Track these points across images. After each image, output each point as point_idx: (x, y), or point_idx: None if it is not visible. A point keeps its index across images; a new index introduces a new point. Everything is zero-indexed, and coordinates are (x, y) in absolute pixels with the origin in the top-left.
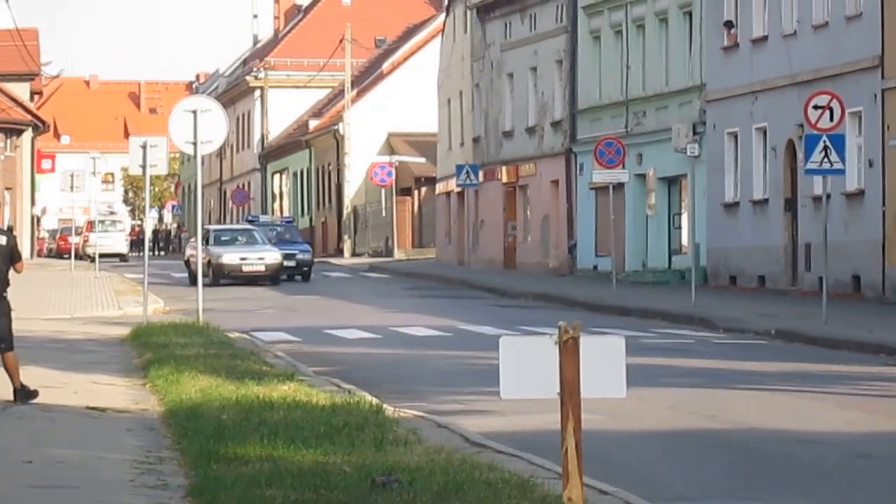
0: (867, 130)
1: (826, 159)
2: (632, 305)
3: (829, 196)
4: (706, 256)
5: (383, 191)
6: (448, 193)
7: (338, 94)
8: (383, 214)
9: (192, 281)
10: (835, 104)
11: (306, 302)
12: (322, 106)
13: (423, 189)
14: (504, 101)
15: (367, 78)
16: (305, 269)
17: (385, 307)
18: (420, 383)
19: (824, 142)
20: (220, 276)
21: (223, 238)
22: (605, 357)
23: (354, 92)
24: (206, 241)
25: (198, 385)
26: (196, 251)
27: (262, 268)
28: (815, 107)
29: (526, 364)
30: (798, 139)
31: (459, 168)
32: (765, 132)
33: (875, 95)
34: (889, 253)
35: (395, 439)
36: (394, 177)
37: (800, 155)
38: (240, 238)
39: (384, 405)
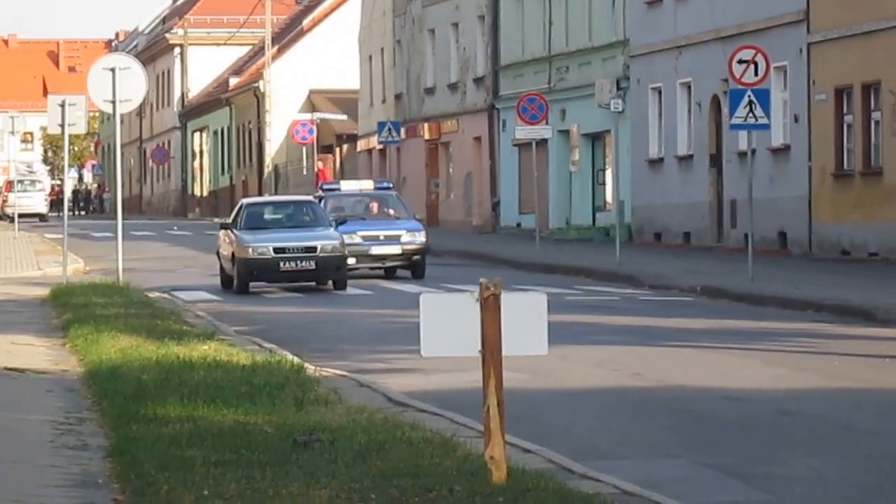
0: (792, 85)
1: (751, 114)
2: (556, 263)
3: (754, 151)
4: (631, 213)
5: (304, 148)
6: (370, 151)
7: (258, 52)
8: (304, 173)
9: (228, 284)
10: (760, 59)
11: None
12: (242, 63)
13: (345, 146)
14: (426, 58)
15: (287, 35)
16: (416, 257)
17: None
18: (342, 342)
19: (749, 97)
20: (249, 275)
21: (263, 218)
22: (526, 314)
23: (275, 49)
24: (234, 222)
25: (118, 345)
26: (224, 242)
27: (313, 264)
28: (740, 61)
29: (447, 322)
30: (723, 94)
31: (381, 125)
32: (689, 87)
33: (800, 50)
34: (815, 209)
35: (317, 399)
36: (315, 134)
37: (724, 110)
38: (285, 218)
39: (305, 364)
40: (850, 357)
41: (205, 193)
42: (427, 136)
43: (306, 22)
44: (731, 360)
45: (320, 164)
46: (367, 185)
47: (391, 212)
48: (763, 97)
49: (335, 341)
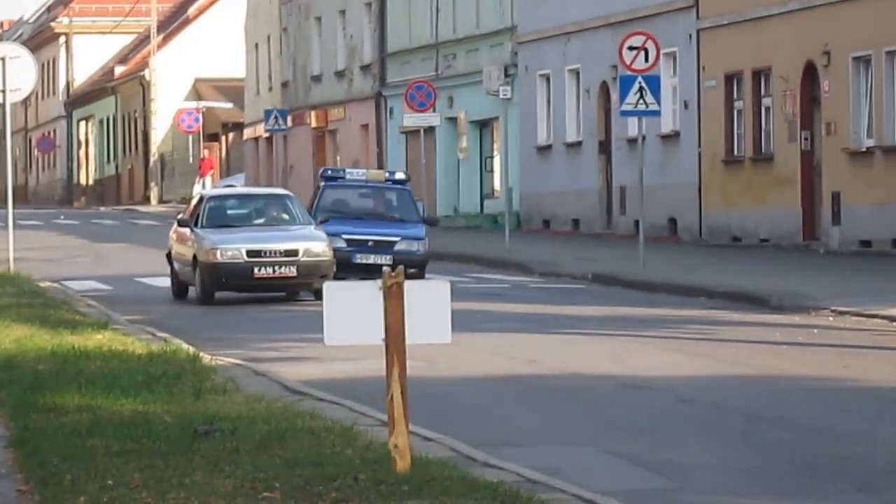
0: (682, 71)
1: (641, 101)
2: (445, 250)
3: (644, 138)
4: (519, 200)
5: (190, 137)
6: (256, 139)
7: (144, 40)
8: (191, 161)
9: (178, 292)
10: (650, 45)
11: (116, 250)
12: (128, 52)
13: (231, 135)
14: (312, 45)
15: (172, 23)
16: (412, 271)
17: None
18: (235, 331)
19: (639, 83)
20: (216, 283)
21: (229, 214)
22: (429, 302)
23: (160, 38)
24: (195, 219)
25: (12, 335)
26: (179, 241)
27: (293, 270)
28: (631, 48)
29: (350, 310)
30: (612, 81)
31: (268, 113)
32: (578, 74)
33: (690, 36)
34: (705, 195)
35: (214, 388)
36: (201, 123)
37: (614, 96)
38: (256, 214)
39: (201, 353)
40: (745, 343)
41: (90, 182)
42: (314, 124)
43: (192, 10)
44: (627, 347)
45: (206, 153)
46: (376, 174)
47: (395, 212)
48: (653, 83)
49: (228, 330)
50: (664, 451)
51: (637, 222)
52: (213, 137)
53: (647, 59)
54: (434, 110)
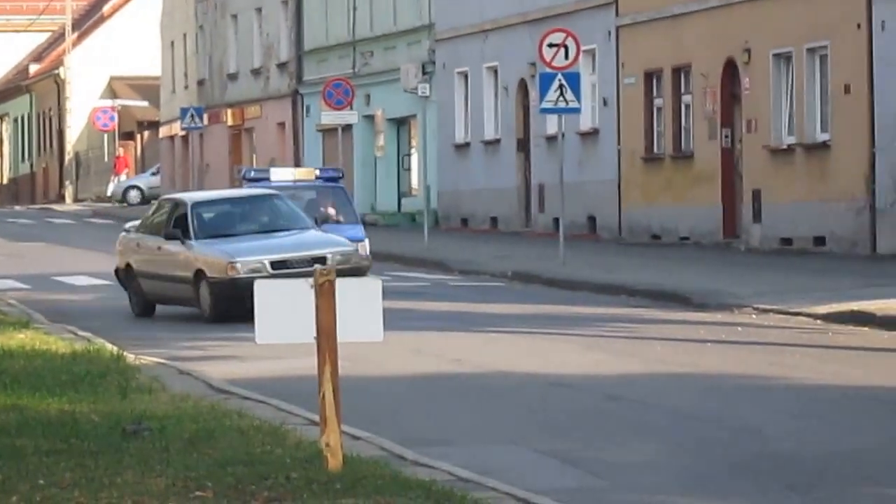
0: (601, 69)
1: (561, 98)
2: None
3: (563, 135)
4: (437, 198)
5: (106, 135)
6: (172, 137)
7: (58, 38)
8: (106, 160)
9: (144, 310)
10: (570, 42)
11: (32, 249)
12: (42, 50)
13: (147, 133)
14: (229, 43)
15: (87, 21)
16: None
17: (113, 253)
18: (156, 330)
19: (559, 80)
20: (234, 301)
21: (221, 221)
22: (361, 300)
23: (75, 36)
24: (181, 229)
25: None
26: (155, 256)
27: None
28: (550, 45)
29: (282, 309)
30: (530, 78)
31: (184, 111)
32: (496, 71)
33: (609, 33)
34: (625, 193)
35: (139, 387)
36: (116, 121)
37: (532, 94)
38: (252, 219)
39: (124, 353)
40: (670, 341)
41: (5, 181)
42: (230, 122)
43: (107, 8)
44: (551, 345)
45: (121, 151)
46: (306, 173)
47: (331, 213)
48: (573, 81)
49: (149, 328)
50: (594, 449)
51: (556, 220)
52: (129, 136)
53: (567, 57)
54: (351, 108)
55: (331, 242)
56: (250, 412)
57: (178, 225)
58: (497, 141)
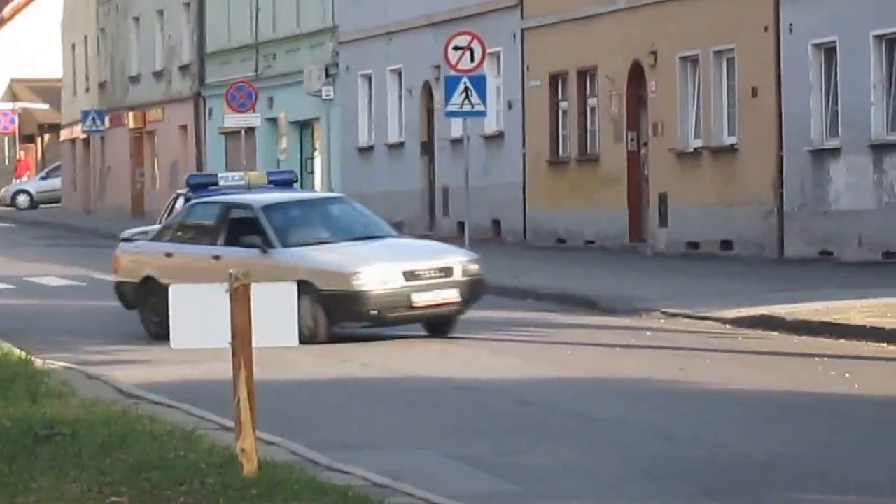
0: (506, 71)
1: (467, 101)
2: None
3: (468, 138)
4: None
5: (6, 138)
6: (73, 140)
7: None
8: (6, 163)
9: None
10: (475, 45)
11: None
12: None
13: (48, 136)
14: (130, 46)
15: None
16: None
17: (15, 257)
18: (62, 334)
19: (465, 83)
20: (354, 316)
21: (301, 225)
22: (276, 305)
23: None
24: (260, 236)
25: None
26: (180, 259)
27: (454, 294)
28: (456, 48)
29: (197, 313)
30: (434, 81)
31: (85, 114)
32: (400, 74)
33: (514, 35)
34: (530, 196)
35: (49, 391)
36: (17, 124)
37: (437, 97)
38: (336, 224)
39: (32, 357)
40: (579, 346)
41: None
42: (132, 125)
43: (7, 10)
44: (459, 349)
45: (22, 154)
46: (257, 177)
47: None
48: (479, 84)
49: (55, 333)
50: (507, 454)
51: (461, 223)
52: (30, 139)
53: (472, 60)
54: (254, 111)
55: (453, 251)
56: (162, 417)
57: (245, 231)
58: (401, 144)
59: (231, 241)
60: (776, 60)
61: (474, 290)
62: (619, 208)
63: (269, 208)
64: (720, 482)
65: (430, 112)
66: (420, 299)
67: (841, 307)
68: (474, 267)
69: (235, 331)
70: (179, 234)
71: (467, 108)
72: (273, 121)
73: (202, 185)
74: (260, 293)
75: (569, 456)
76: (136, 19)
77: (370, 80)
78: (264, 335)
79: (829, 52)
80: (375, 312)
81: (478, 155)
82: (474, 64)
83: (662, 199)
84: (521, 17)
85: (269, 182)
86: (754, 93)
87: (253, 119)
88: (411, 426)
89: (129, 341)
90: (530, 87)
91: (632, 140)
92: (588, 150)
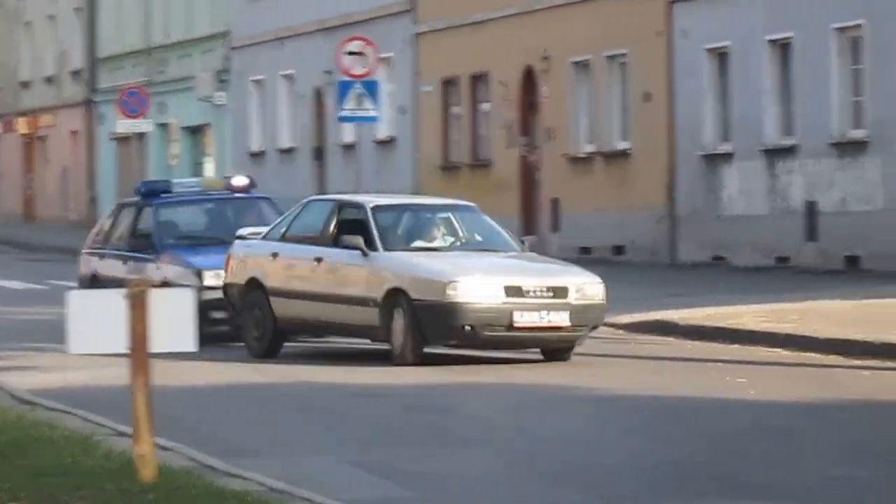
0: (399, 76)
1: (360, 106)
2: None
3: (360, 144)
4: None
5: None
6: None
7: None
8: None
9: (271, 344)
10: (368, 50)
11: None
12: None
13: None
14: (21, 51)
15: None
16: None
17: None
18: None
19: (357, 88)
20: (449, 333)
21: (411, 230)
22: (173, 311)
23: None
24: (364, 236)
25: None
26: (284, 261)
27: (565, 318)
28: (349, 53)
29: (95, 319)
30: (326, 86)
31: None
32: (292, 79)
33: (407, 41)
34: None
35: None
36: None
37: (329, 102)
38: (451, 232)
39: None
40: (476, 352)
41: None
42: (23, 131)
43: None
44: (351, 355)
45: None
46: (213, 182)
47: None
48: (371, 89)
49: None
50: (403, 460)
51: None
52: None
53: (365, 65)
54: (146, 116)
55: (573, 271)
56: (59, 423)
57: (350, 232)
58: (293, 149)
59: (336, 243)
60: (669, 65)
61: (591, 316)
62: (511, 213)
63: (379, 209)
64: (618, 487)
65: (321, 117)
66: (523, 320)
67: (734, 312)
68: (594, 290)
69: (134, 336)
70: (289, 233)
71: (360, 113)
72: (165, 126)
73: (153, 192)
74: (158, 299)
75: (464, 460)
76: (28, 24)
77: (262, 85)
78: (162, 341)
79: (723, 56)
80: (470, 329)
81: (370, 160)
82: (367, 69)
83: (555, 204)
84: (414, 22)
85: (226, 188)
86: (647, 98)
87: (144, 125)
88: (309, 432)
89: (23, 347)
90: (423, 92)
91: (524, 145)
92: (480, 156)
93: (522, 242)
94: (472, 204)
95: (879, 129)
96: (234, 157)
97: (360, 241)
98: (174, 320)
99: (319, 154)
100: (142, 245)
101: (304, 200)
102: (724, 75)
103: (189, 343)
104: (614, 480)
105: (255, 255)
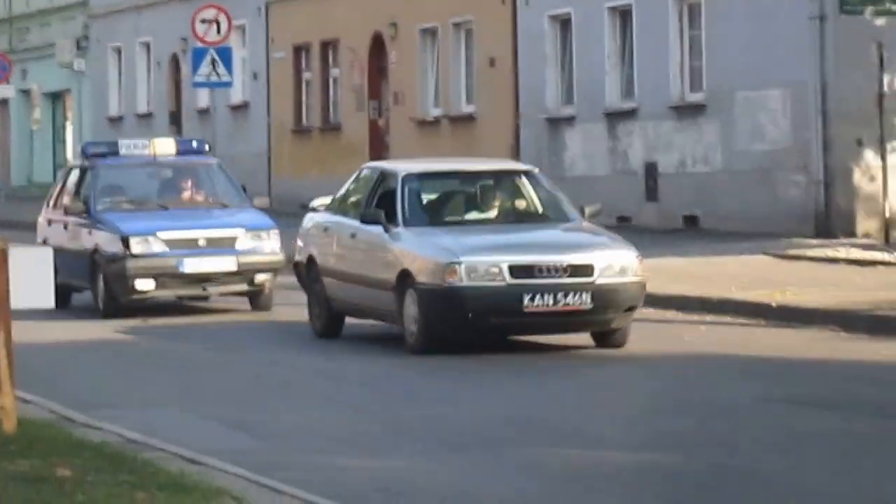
0: (252, 43)
1: (214, 72)
2: (20, 219)
3: (214, 109)
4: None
5: None
6: None
7: None
8: None
9: (328, 325)
10: (222, 18)
11: None
12: None
13: None
14: None
15: None
16: (262, 277)
17: None
18: None
19: (212, 55)
20: (453, 322)
21: (445, 202)
22: (33, 269)
23: None
24: (385, 210)
25: None
26: (330, 237)
27: (587, 298)
28: (203, 21)
29: None
30: (182, 53)
31: None
32: (149, 47)
33: (259, 8)
34: (275, 164)
35: None
36: None
37: (184, 68)
38: (492, 204)
39: None
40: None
41: None
42: None
43: None
44: (208, 313)
45: None
46: (164, 145)
47: (208, 196)
48: (225, 56)
49: None
50: (253, 412)
51: None
52: None
53: (219, 32)
54: (8, 83)
55: (604, 243)
56: None
57: (382, 204)
58: (150, 114)
59: (368, 216)
60: (513, 32)
61: (622, 297)
62: None
63: (412, 178)
64: (459, 436)
65: (177, 83)
66: (534, 304)
67: None
68: (627, 265)
69: None
70: (340, 204)
71: (214, 79)
72: (27, 92)
73: (99, 154)
74: (18, 257)
75: (314, 414)
76: None
77: (120, 52)
78: (22, 297)
79: (565, 23)
80: (473, 316)
81: (224, 124)
82: (221, 37)
83: None
84: None
85: (179, 152)
86: (492, 63)
87: (7, 90)
88: (164, 387)
89: None
90: (275, 58)
91: (373, 109)
92: (331, 120)
93: (582, 212)
94: (528, 168)
95: (716, 93)
96: (93, 122)
97: (381, 214)
98: (34, 278)
99: (176, 119)
100: (79, 210)
101: (363, 166)
102: (567, 41)
103: (48, 301)
104: (460, 433)
105: (314, 230)
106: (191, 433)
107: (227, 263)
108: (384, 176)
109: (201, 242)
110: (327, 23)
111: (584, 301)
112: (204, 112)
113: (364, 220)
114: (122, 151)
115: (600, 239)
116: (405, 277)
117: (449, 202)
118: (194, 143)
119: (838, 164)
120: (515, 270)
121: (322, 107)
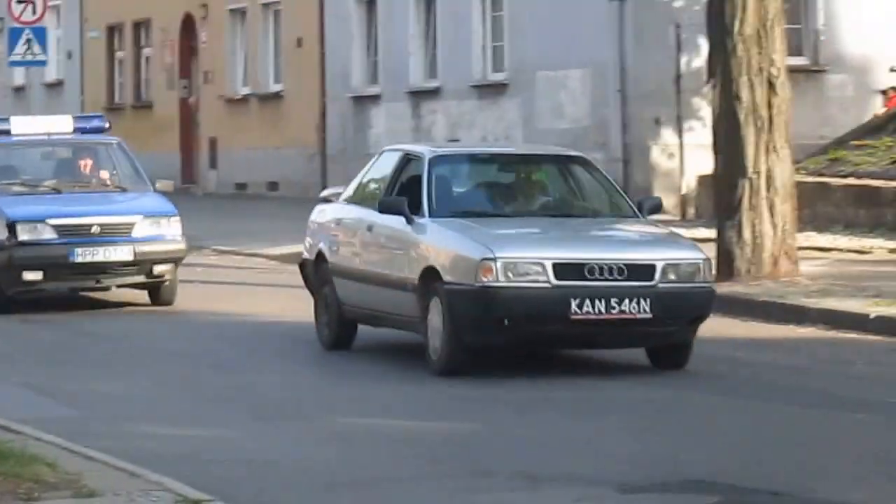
0: (67, 23)
1: (29, 51)
2: None
3: (30, 86)
4: None
5: None
6: None
7: None
8: None
9: (338, 336)
10: None
11: None
12: None
13: None
14: None
15: None
16: (161, 268)
17: None
18: None
19: (27, 34)
20: (487, 329)
21: (479, 190)
22: None
23: None
24: (409, 198)
25: None
26: (343, 230)
27: (647, 307)
28: (19, 1)
29: None
30: None
31: None
32: None
33: None
34: None
35: None
36: None
37: (1, 47)
38: (535, 193)
39: None
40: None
41: None
42: None
43: None
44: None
45: None
46: (60, 123)
47: (108, 177)
48: (40, 35)
49: None
50: (70, 381)
51: None
52: None
53: (34, 12)
54: None
55: (663, 243)
56: None
57: (404, 192)
58: None
59: (387, 205)
60: (320, 13)
61: (688, 304)
62: (171, 152)
63: (440, 161)
64: (266, 406)
65: None
66: (582, 310)
67: None
68: (695, 269)
69: None
70: (358, 192)
71: (29, 58)
72: None
73: None
74: None
75: (131, 385)
76: None
77: None
78: None
79: (371, 4)
80: (510, 323)
81: (39, 102)
82: (36, 16)
83: (213, 143)
84: None
85: (77, 129)
86: (299, 43)
87: None
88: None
89: None
90: (89, 37)
91: (184, 87)
92: (143, 98)
93: (640, 206)
94: (577, 154)
95: (518, 73)
96: None
97: (403, 203)
98: None
99: None
100: None
101: (381, 151)
102: (372, 22)
103: None
104: (268, 403)
105: (324, 223)
106: (7, 402)
107: (122, 253)
108: (407, 159)
109: (94, 230)
110: (140, 3)
111: (643, 308)
112: (20, 90)
113: (382, 210)
114: (13, 130)
115: (663, 236)
116: (430, 276)
117: (483, 190)
118: (95, 121)
119: (637, 142)
120: (561, 269)
121: (134, 85)
